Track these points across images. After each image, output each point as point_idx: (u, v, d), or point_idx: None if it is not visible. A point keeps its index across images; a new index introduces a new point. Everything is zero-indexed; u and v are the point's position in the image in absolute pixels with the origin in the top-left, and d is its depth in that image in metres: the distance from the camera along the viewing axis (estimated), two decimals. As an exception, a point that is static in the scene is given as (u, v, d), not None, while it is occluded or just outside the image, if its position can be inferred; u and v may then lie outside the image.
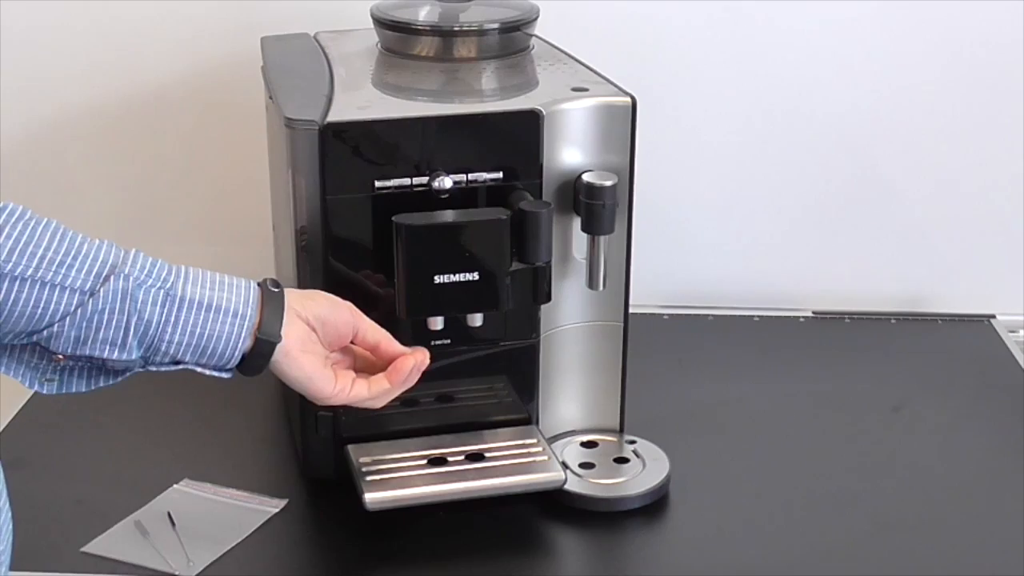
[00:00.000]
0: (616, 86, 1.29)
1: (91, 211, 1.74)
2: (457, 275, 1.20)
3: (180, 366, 1.05)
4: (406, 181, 1.21)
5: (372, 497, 1.22)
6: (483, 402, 1.32)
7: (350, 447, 1.28)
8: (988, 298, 1.71)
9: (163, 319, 1.01)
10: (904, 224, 1.72)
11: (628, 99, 1.26)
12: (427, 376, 1.27)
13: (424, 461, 1.27)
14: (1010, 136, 1.67)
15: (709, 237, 1.73)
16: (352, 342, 1.13)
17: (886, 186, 1.71)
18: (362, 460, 1.26)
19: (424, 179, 1.21)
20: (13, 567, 1.18)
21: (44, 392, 1.04)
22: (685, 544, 1.26)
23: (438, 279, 1.20)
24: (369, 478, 1.24)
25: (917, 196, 1.71)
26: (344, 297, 1.23)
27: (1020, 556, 1.21)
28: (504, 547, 1.24)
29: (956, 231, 1.72)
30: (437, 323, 1.25)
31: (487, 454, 1.28)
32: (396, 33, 1.37)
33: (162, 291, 1.01)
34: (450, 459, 1.27)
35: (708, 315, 1.70)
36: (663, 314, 1.69)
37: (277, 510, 1.27)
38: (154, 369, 1.04)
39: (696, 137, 1.69)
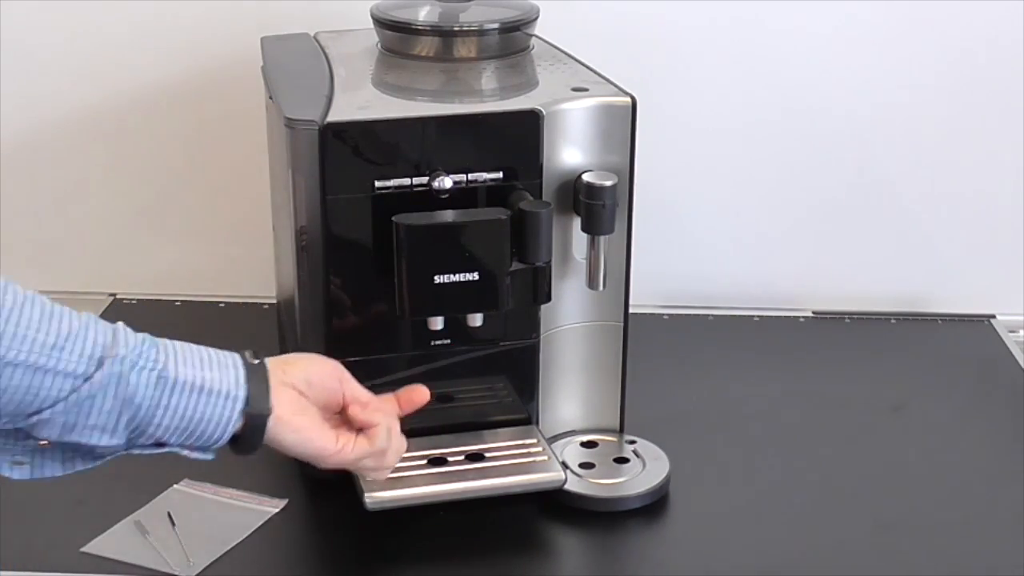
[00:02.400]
0: (616, 86, 1.29)
1: (91, 211, 1.74)
2: (457, 275, 1.20)
3: (164, 449, 1.02)
4: (406, 181, 1.21)
5: (372, 497, 1.22)
6: (483, 402, 1.32)
7: (350, 447, 1.27)
8: (988, 298, 1.71)
9: (154, 402, 0.98)
10: (904, 224, 1.72)
11: (628, 99, 1.26)
12: (427, 376, 1.28)
13: (424, 461, 1.27)
14: (1010, 136, 1.67)
15: (709, 237, 1.73)
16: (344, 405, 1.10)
17: (886, 186, 1.71)
18: (362, 460, 1.26)
19: (424, 179, 1.21)
20: (13, 567, 1.18)
21: (15, 477, 0.99)
22: (685, 544, 1.26)
23: (438, 279, 1.19)
24: (369, 478, 1.24)
25: (917, 196, 1.71)
26: (344, 298, 1.24)
27: (1020, 556, 1.21)
28: (504, 547, 1.24)
29: (956, 231, 1.72)
30: (437, 323, 1.25)
31: (487, 454, 1.28)
32: (396, 33, 1.37)
33: (155, 373, 0.98)
34: (450, 459, 1.27)
35: (708, 315, 1.70)
36: (663, 314, 1.69)
37: (277, 510, 1.27)
38: (136, 452, 1.01)
39: (696, 137, 1.69)
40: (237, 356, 1.04)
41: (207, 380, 1.00)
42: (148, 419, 0.98)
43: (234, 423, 1.01)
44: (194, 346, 1.02)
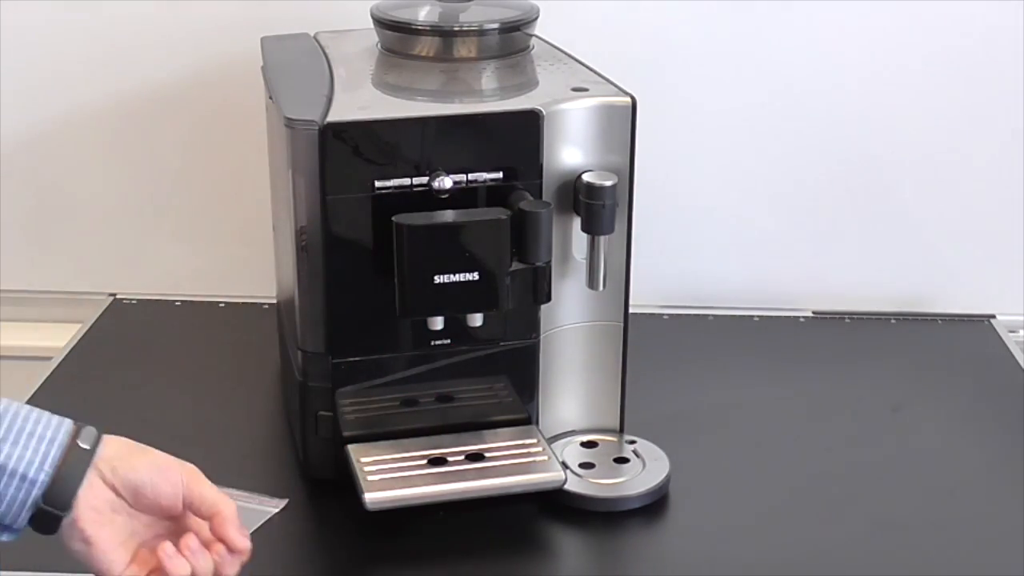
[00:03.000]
0: (616, 86, 1.29)
1: (91, 211, 1.74)
2: (457, 275, 1.20)
3: None
4: (406, 181, 1.21)
5: (372, 497, 1.22)
6: (483, 402, 1.32)
7: (350, 447, 1.27)
8: (988, 298, 1.71)
9: None
10: (904, 224, 1.72)
11: (628, 99, 1.26)
12: (427, 376, 1.28)
13: (424, 461, 1.27)
14: (1010, 136, 1.67)
15: (709, 237, 1.73)
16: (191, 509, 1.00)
17: (886, 186, 1.71)
18: (362, 460, 1.26)
19: (424, 179, 1.21)
20: (13, 567, 1.18)
21: None
22: (685, 544, 1.26)
23: (438, 279, 1.19)
24: (369, 478, 1.24)
25: (917, 196, 1.71)
26: (344, 298, 1.23)
27: (1020, 556, 1.21)
28: (504, 547, 1.24)
29: (956, 231, 1.72)
30: (437, 323, 1.25)
31: (487, 454, 1.28)
32: (396, 33, 1.37)
33: None
34: (450, 459, 1.27)
35: (708, 315, 1.70)
36: (663, 314, 1.69)
37: (277, 510, 1.27)
38: None
39: (696, 137, 1.69)
40: (66, 430, 0.96)
41: (8, 457, 0.93)
42: None
43: (29, 508, 0.94)
44: (25, 411, 0.95)
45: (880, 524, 1.27)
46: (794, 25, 1.65)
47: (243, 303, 1.71)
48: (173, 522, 1.01)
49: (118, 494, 0.97)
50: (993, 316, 1.69)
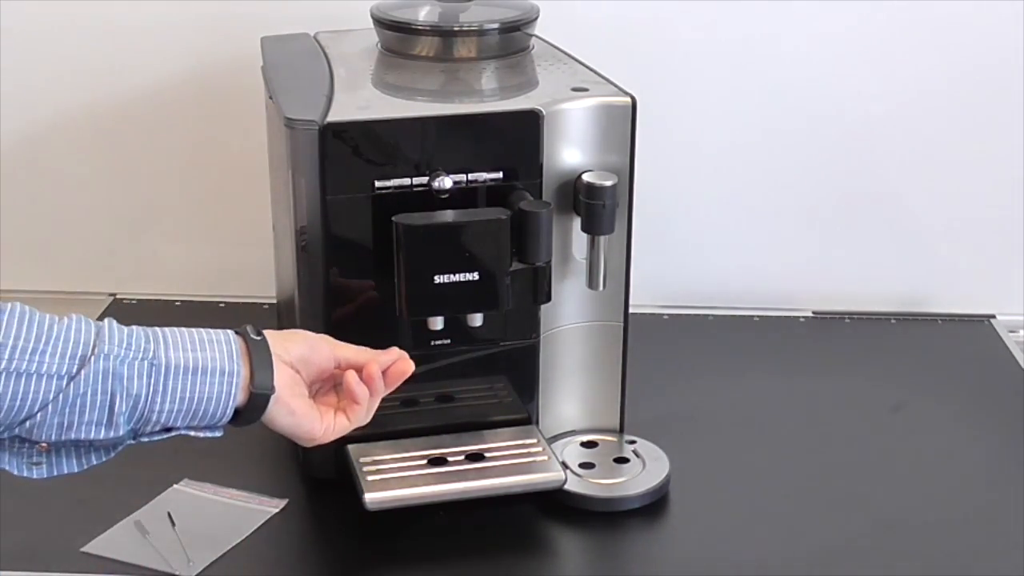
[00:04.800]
0: (616, 86, 1.29)
1: (91, 211, 1.74)
2: (457, 275, 1.20)
3: (171, 433, 1.03)
4: (406, 181, 1.21)
5: (372, 497, 1.22)
6: (483, 402, 1.32)
7: (350, 447, 1.27)
8: (988, 298, 1.71)
9: (151, 390, 0.99)
10: (904, 224, 1.73)
11: (628, 99, 1.26)
12: (427, 376, 1.28)
13: (424, 461, 1.27)
14: (1010, 136, 1.67)
15: (709, 237, 1.73)
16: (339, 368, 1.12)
17: (886, 186, 1.71)
18: (362, 460, 1.26)
19: (424, 179, 1.21)
20: (13, 567, 1.18)
21: (35, 477, 1.01)
22: (685, 544, 1.26)
23: (438, 279, 1.19)
24: (369, 478, 1.24)
25: (917, 196, 1.71)
26: (344, 298, 1.23)
27: (1020, 556, 1.21)
28: (504, 547, 1.24)
29: (956, 231, 1.72)
30: (437, 323, 1.25)
31: (487, 454, 1.28)
32: (396, 33, 1.37)
33: (146, 362, 0.99)
34: (450, 459, 1.27)
35: (708, 315, 1.70)
36: (663, 314, 1.69)
37: (277, 510, 1.27)
38: (145, 440, 1.03)
39: (696, 137, 1.69)
40: (231, 332, 1.05)
41: (200, 360, 1.01)
42: (149, 407, 1.00)
43: (235, 398, 1.02)
44: (187, 330, 1.03)
45: (880, 524, 1.27)
46: (794, 25, 1.65)
47: (243, 303, 1.71)
48: (330, 381, 1.12)
49: (295, 368, 1.07)
50: (993, 316, 1.69)
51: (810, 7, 1.64)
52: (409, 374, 1.13)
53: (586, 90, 1.27)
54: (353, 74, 1.34)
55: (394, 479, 1.24)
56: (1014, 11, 1.62)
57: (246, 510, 1.27)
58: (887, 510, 1.29)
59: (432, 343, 1.27)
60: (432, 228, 1.20)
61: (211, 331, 1.04)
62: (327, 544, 1.26)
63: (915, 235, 1.73)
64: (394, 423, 1.29)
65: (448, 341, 1.27)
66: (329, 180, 1.20)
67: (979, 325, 1.68)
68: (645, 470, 1.31)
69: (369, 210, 1.21)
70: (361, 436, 1.28)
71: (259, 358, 1.04)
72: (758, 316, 1.70)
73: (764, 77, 1.67)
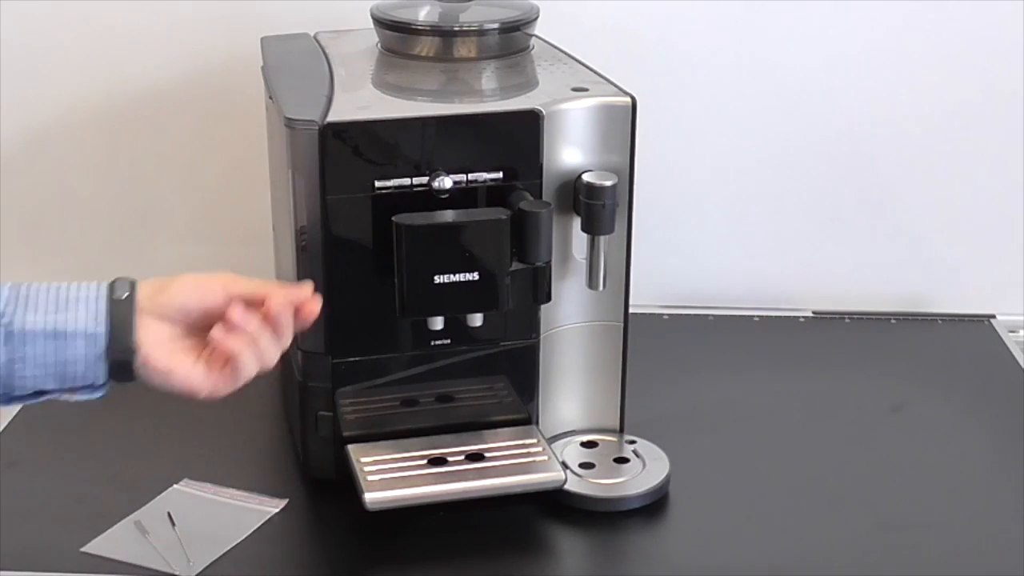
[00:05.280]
0: (616, 86, 1.29)
1: (90, 211, 1.74)
2: (457, 275, 1.20)
3: (46, 396, 1.01)
4: (406, 181, 1.21)
5: (372, 497, 1.22)
6: (483, 402, 1.32)
7: (350, 447, 1.28)
8: (988, 298, 1.71)
9: (10, 357, 0.98)
10: (904, 224, 1.73)
11: (628, 99, 1.26)
12: (427, 376, 1.28)
13: (424, 461, 1.27)
14: (1010, 136, 1.67)
15: (709, 237, 1.73)
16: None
17: (886, 186, 1.71)
18: (362, 460, 1.26)
19: (424, 179, 1.21)
20: (13, 567, 1.18)
21: None
22: (685, 544, 1.26)
23: (438, 279, 1.19)
24: (369, 478, 1.24)
25: (917, 196, 1.71)
26: (344, 298, 1.23)
27: (1020, 556, 1.21)
28: (504, 547, 1.24)
29: (956, 231, 1.72)
30: (437, 323, 1.25)
31: (487, 454, 1.28)
32: (396, 33, 1.37)
33: (2, 329, 0.97)
34: (450, 459, 1.27)
35: (708, 315, 1.70)
36: (663, 314, 1.69)
37: (277, 510, 1.27)
38: (19, 403, 1.01)
39: (696, 137, 1.69)
40: (102, 287, 1.02)
41: (61, 323, 0.98)
42: (11, 373, 0.98)
43: (103, 360, 1.00)
44: (55, 286, 1.01)
45: (880, 524, 1.27)
46: (794, 25, 1.65)
47: (243, 303, 1.70)
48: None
49: (172, 323, 1.03)
50: (993, 316, 1.69)
51: (810, 7, 1.64)
52: (316, 314, 1.07)
53: (586, 90, 1.27)
54: (353, 74, 1.34)
55: (394, 479, 1.24)
56: (1014, 11, 1.62)
57: (246, 510, 1.27)
58: (887, 510, 1.29)
59: (432, 343, 1.27)
60: (432, 228, 1.20)
61: (80, 286, 1.01)
62: (327, 544, 1.26)
63: (915, 235, 1.73)
64: (394, 423, 1.29)
65: (448, 341, 1.27)
66: (329, 180, 1.20)
67: (979, 325, 1.68)
68: (645, 470, 1.31)
69: (369, 210, 1.21)
70: (361, 436, 1.29)
71: (119, 319, 1.00)
72: (758, 316, 1.70)
73: (764, 77, 1.67)
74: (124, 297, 1.02)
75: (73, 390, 1.01)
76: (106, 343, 1.00)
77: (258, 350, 1.04)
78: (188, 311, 1.04)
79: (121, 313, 1.01)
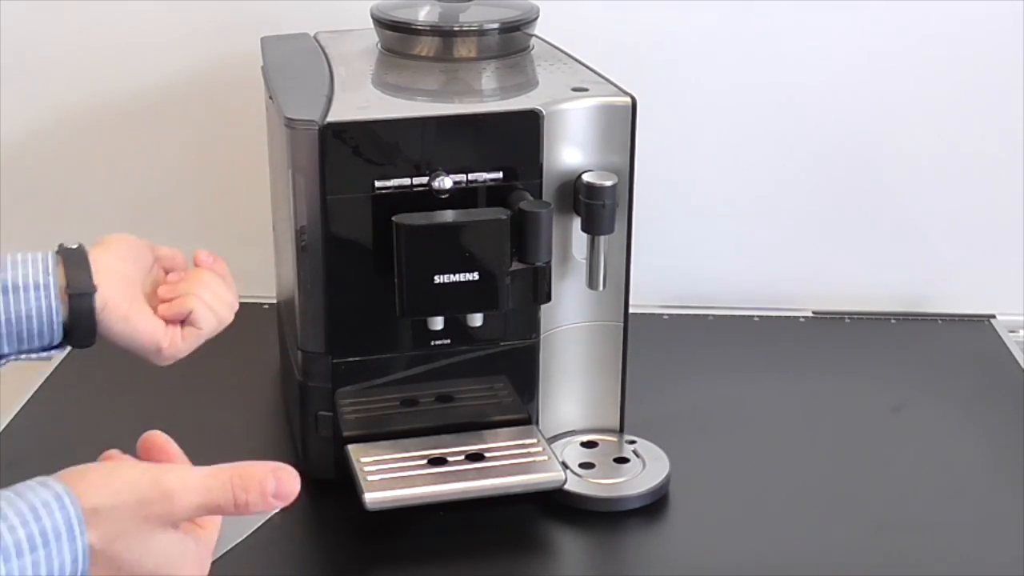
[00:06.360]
0: (616, 86, 1.29)
1: (90, 211, 1.74)
2: (457, 275, 1.20)
3: (3, 360, 1.01)
4: (406, 181, 1.21)
5: (372, 497, 1.22)
6: (483, 402, 1.32)
7: (350, 447, 1.28)
8: (988, 298, 1.71)
9: None
10: (904, 224, 1.72)
11: (628, 99, 1.26)
12: (427, 376, 1.28)
13: (424, 461, 1.27)
14: (1010, 136, 1.67)
15: (709, 237, 1.73)
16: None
17: (886, 186, 1.71)
18: (362, 460, 1.26)
19: (424, 179, 1.21)
20: (13, 567, 1.17)
21: None
22: (685, 544, 1.26)
23: (438, 279, 1.19)
24: (369, 478, 1.24)
25: (917, 196, 1.71)
26: (344, 298, 1.23)
27: (1020, 556, 1.21)
28: (504, 547, 1.24)
29: (956, 231, 1.72)
30: (437, 323, 1.25)
31: (487, 454, 1.28)
32: (396, 33, 1.37)
33: None
34: (450, 459, 1.27)
35: (708, 315, 1.70)
36: (663, 314, 1.69)
37: (277, 510, 1.27)
38: None
39: (696, 137, 1.69)
40: (49, 251, 1.01)
41: (11, 278, 0.98)
42: None
43: (56, 311, 0.99)
44: (8, 255, 1.01)
45: (880, 524, 1.27)
46: (794, 25, 1.65)
47: (243, 303, 1.69)
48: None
49: (125, 267, 1.03)
50: (993, 316, 1.69)
51: (810, 7, 1.64)
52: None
53: (586, 90, 1.27)
54: (353, 74, 1.34)
55: (394, 479, 1.24)
56: (1015, 10, 1.62)
57: (246, 510, 1.27)
58: (887, 510, 1.29)
59: (432, 343, 1.27)
60: (432, 228, 1.20)
61: (28, 253, 1.01)
62: (327, 544, 1.26)
63: (915, 235, 1.73)
64: (394, 423, 1.29)
65: (448, 341, 1.27)
66: (329, 180, 1.20)
67: (979, 325, 1.68)
68: (645, 470, 1.31)
69: (369, 210, 1.21)
70: (361, 436, 1.29)
71: (73, 262, 1.00)
72: (758, 316, 1.70)
73: (764, 77, 1.67)
74: (75, 247, 1.02)
75: (31, 351, 1.01)
76: (63, 289, 0.99)
77: (211, 301, 1.08)
78: (132, 260, 1.05)
79: (75, 257, 1.01)
